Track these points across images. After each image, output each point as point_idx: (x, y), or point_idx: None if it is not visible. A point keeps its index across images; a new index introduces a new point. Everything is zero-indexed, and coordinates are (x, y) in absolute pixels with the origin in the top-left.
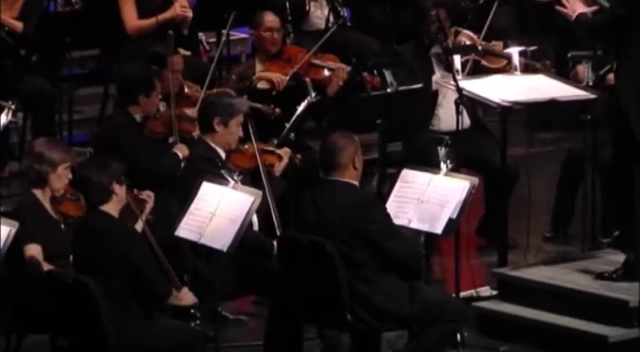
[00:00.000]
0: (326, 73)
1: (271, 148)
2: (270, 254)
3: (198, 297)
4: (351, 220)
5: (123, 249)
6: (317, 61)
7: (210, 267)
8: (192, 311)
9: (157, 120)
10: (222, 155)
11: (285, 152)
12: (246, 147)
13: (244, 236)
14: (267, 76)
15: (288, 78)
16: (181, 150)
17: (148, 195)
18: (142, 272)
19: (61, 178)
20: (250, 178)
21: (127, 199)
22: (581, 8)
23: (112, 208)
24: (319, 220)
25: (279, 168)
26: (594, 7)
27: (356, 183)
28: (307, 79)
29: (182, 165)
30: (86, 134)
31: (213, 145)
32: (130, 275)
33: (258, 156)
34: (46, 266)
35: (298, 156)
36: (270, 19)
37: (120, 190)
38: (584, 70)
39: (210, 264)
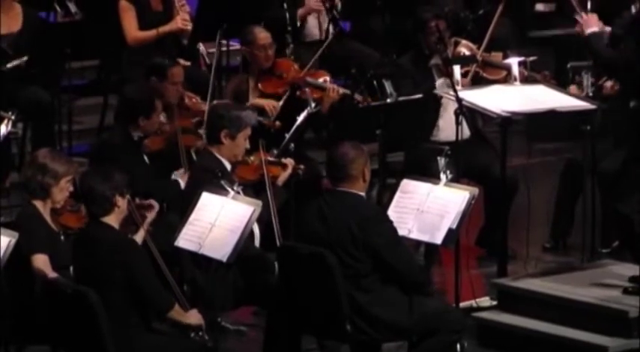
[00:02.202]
0: (321, 90)
1: (277, 159)
2: (272, 269)
3: (197, 308)
4: (357, 232)
5: (122, 259)
6: (310, 80)
7: (209, 279)
8: (199, 332)
9: (158, 137)
10: (228, 166)
11: (289, 162)
12: (252, 158)
13: (246, 252)
14: (260, 103)
15: (280, 104)
16: (184, 179)
17: (151, 204)
18: (141, 284)
19: (62, 191)
20: (252, 188)
21: (129, 209)
22: (594, 26)
23: (113, 220)
24: (325, 230)
25: (282, 177)
26: (608, 29)
27: (363, 194)
28: (307, 89)
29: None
30: (86, 145)
31: (218, 156)
32: (130, 287)
33: (265, 169)
34: (54, 274)
35: (302, 166)
36: (263, 36)
37: (122, 203)
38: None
39: (210, 276)
